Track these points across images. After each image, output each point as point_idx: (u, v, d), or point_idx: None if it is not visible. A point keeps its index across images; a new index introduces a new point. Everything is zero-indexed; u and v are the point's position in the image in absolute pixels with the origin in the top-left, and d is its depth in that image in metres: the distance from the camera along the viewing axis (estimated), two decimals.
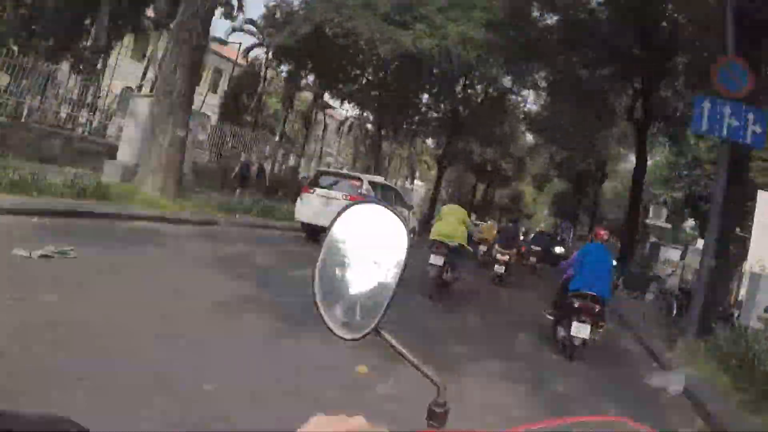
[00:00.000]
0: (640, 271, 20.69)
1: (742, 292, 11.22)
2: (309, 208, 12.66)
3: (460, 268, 9.59)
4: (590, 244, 7.69)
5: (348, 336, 0.88)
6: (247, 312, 5.68)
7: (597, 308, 6.70)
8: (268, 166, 24.29)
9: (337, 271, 0.90)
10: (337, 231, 0.93)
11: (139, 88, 27.17)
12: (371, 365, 4.52)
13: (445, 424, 0.85)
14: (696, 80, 17.65)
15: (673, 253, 24.52)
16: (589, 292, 6.73)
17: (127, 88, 27.03)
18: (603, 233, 7.95)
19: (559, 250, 24.82)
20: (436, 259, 8.71)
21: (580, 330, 6.51)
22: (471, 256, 12.04)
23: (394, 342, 0.86)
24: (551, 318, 7.60)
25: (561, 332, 7.05)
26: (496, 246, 13.50)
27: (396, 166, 52.52)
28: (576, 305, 6.67)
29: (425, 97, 34.63)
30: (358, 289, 0.89)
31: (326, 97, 33.17)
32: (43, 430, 0.52)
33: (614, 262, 7.86)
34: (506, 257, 12.69)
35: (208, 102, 30.38)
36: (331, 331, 0.89)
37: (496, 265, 12.59)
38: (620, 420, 0.77)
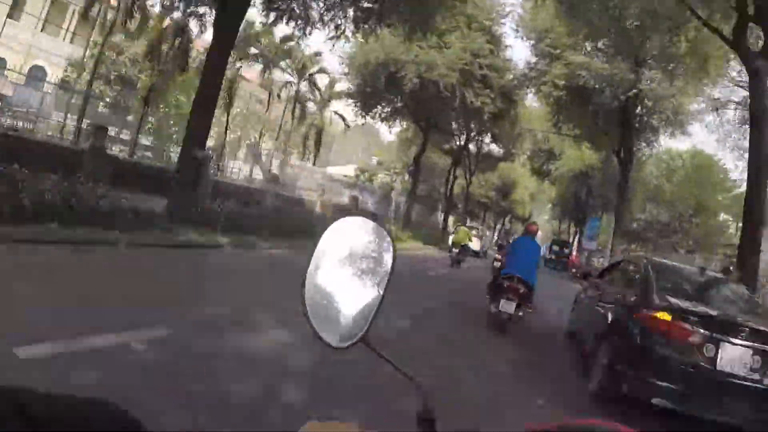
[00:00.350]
0: None
1: None
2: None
3: (465, 256, 18.99)
4: (521, 237, 9.36)
5: (336, 345, 0.89)
6: None
7: (522, 289, 7.86)
8: None
9: (326, 282, 0.92)
10: (326, 243, 0.94)
11: None
12: None
13: (435, 430, 0.85)
14: None
15: None
16: (516, 275, 7.92)
17: None
18: (534, 228, 9.31)
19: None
20: (454, 251, 18.32)
21: (506, 306, 7.73)
22: (471, 252, 21.96)
23: (381, 351, 0.87)
24: (488, 297, 8.63)
25: (493, 308, 8.13)
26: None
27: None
28: (505, 285, 7.88)
29: None
30: (346, 299, 0.90)
31: None
32: (79, 414, 0.48)
33: (542, 252, 10.33)
34: (500, 257, 14.91)
35: None
36: (320, 339, 0.90)
37: (495, 262, 14.66)
38: (611, 424, 0.77)
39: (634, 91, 18.55)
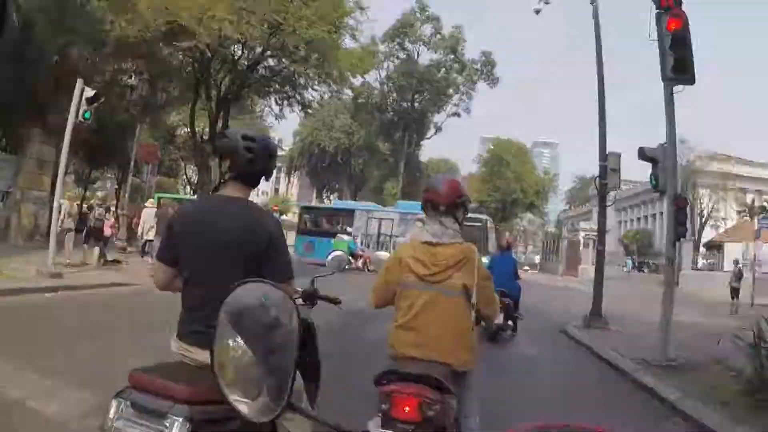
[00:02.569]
0: None
1: None
2: None
3: None
4: (500, 254, 10.14)
5: (264, 417, 0.88)
6: None
7: (507, 301, 8.32)
8: None
9: (237, 354, 0.92)
10: (229, 312, 0.95)
11: None
12: None
13: None
14: None
15: None
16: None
17: None
18: (507, 240, 11.14)
19: None
20: None
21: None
22: None
23: (309, 412, 0.95)
24: None
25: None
26: None
27: None
28: None
29: None
30: (261, 367, 0.89)
31: None
32: None
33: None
34: None
35: None
36: (245, 417, 0.89)
37: None
38: (593, 427, 0.78)
39: None
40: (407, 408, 2.36)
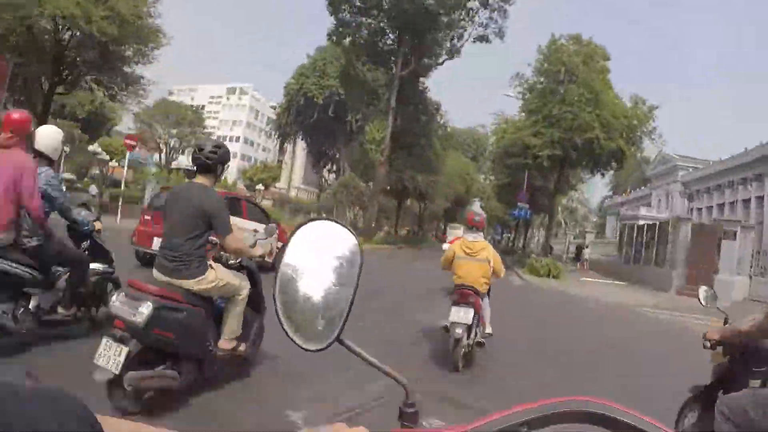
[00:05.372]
0: None
1: None
2: None
3: None
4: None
5: (312, 347, 0.91)
6: None
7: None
8: None
9: (297, 285, 0.92)
10: (294, 247, 0.95)
11: None
12: None
13: (417, 423, 0.89)
14: None
15: None
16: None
17: None
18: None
19: None
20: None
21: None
22: None
23: (357, 349, 0.91)
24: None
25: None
26: None
27: None
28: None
29: None
30: (318, 300, 0.91)
31: None
32: (38, 407, 0.43)
33: None
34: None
35: None
36: (295, 342, 0.91)
37: None
38: (583, 399, 0.81)
39: None
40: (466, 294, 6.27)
